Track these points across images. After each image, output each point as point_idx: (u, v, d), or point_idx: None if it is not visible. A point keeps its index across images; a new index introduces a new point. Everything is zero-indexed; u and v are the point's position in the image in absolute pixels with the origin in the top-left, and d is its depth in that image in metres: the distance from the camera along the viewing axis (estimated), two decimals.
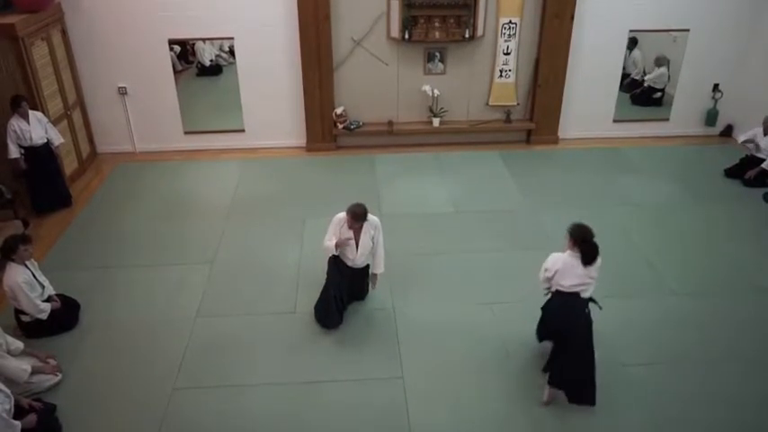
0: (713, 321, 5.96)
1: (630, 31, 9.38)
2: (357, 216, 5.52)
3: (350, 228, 5.60)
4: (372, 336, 5.79)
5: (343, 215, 5.63)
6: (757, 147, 8.61)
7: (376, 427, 4.85)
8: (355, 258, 5.78)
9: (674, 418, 4.91)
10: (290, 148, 9.69)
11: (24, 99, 7.33)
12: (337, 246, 5.66)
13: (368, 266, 6.01)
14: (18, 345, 5.17)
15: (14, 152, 7.40)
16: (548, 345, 5.38)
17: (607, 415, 4.96)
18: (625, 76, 10.26)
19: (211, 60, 11.44)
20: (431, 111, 9.45)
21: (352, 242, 5.69)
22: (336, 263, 5.77)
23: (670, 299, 6.17)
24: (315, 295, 6.09)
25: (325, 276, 5.81)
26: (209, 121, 9.89)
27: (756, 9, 9.21)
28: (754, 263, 6.83)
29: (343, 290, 5.85)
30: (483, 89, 9.54)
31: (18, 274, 5.45)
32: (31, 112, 7.43)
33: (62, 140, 7.93)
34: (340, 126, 9.45)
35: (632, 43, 10.18)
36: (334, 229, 5.68)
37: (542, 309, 5.28)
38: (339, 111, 9.38)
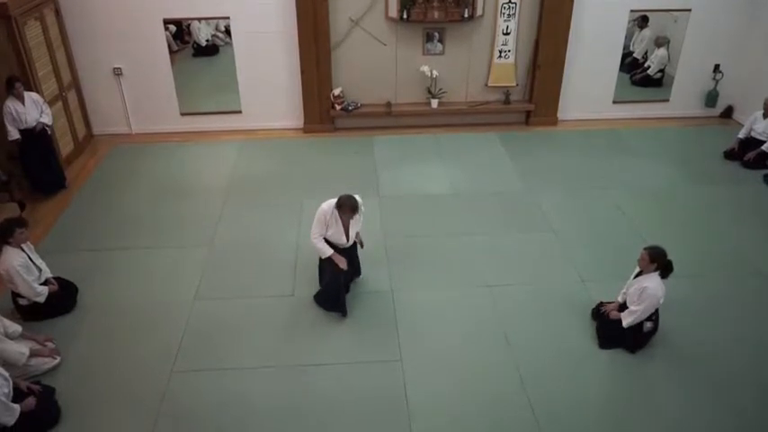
0: (713, 304, 5.96)
1: (632, 11, 9.27)
2: (354, 209, 5.40)
3: (341, 217, 5.50)
4: (371, 319, 5.79)
5: (329, 206, 5.47)
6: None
7: (375, 409, 4.86)
8: (347, 243, 5.72)
9: (673, 400, 4.93)
10: (288, 129, 9.63)
11: (18, 80, 7.23)
12: (335, 256, 5.55)
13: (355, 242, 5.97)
14: (16, 328, 5.16)
15: (14, 134, 7.33)
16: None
17: (605, 399, 4.99)
18: (626, 55, 10.18)
19: (207, 40, 11.30)
20: (429, 92, 9.37)
21: (343, 235, 5.62)
22: (333, 249, 5.67)
23: (669, 282, 6.10)
24: (313, 278, 6.10)
25: (327, 265, 5.68)
26: (205, 102, 9.81)
27: None
28: (755, 245, 6.82)
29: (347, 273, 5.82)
30: (482, 70, 9.46)
31: (14, 258, 5.42)
32: (26, 93, 7.35)
33: (47, 122, 7.60)
34: (338, 107, 9.38)
35: (643, 21, 10.09)
36: (323, 222, 5.49)
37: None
38: (337, 92, 9.30)
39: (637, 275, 5.36)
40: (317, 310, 5.88)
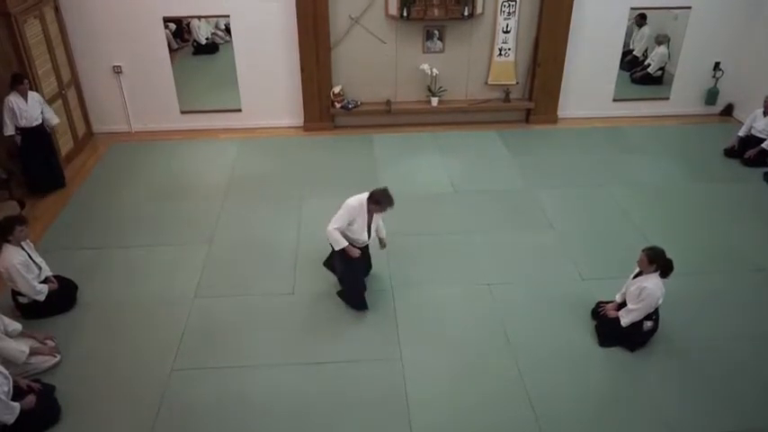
0: (713, 301, 5.95)
1: (632, 8, 9.27)
2: (392, 205, 5.46)
3: (370, 212, 5.53)
4: (371, 317, 5.79)
5: (359, 202, 5.45)
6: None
7: (375, 407, 4.87)
8: (366, 240, 5.75)
9: (673, 398, 4.93)
10: (288, 127, 9.62)
11: (26, 77, 7.26)
12: (348, 248, 5.56)
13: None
14: (16, 326, 5.16)
15: (10, 129, 7.32)
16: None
17: (604, 397, 4.99)
18: (626, 53, 10.17)
19: (207, 38, 11.31)
20: (429, 90, 9.36)
21: (365, 231, 5.64)
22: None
23: (670, 279, 6.13)
24: (313, 276, 6.10)
25: (343, 262, 5.70)
26: (205, 100, 9.80)
27: None
28: (755, 243, 6.82)
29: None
30: (482, 68, 9.45)
31: (14, 256, 5.42)
32: (29, 92, 7.34)
33: (57, 120, 7.81)
34: (338, 105, 9.37)
35: (642, 19, 10.09)
36: (348, 218, 5.47)
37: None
38: (337, 90, 9.29)
39: (636, 275, 5.35)
40: (316, 308, 5.88)
